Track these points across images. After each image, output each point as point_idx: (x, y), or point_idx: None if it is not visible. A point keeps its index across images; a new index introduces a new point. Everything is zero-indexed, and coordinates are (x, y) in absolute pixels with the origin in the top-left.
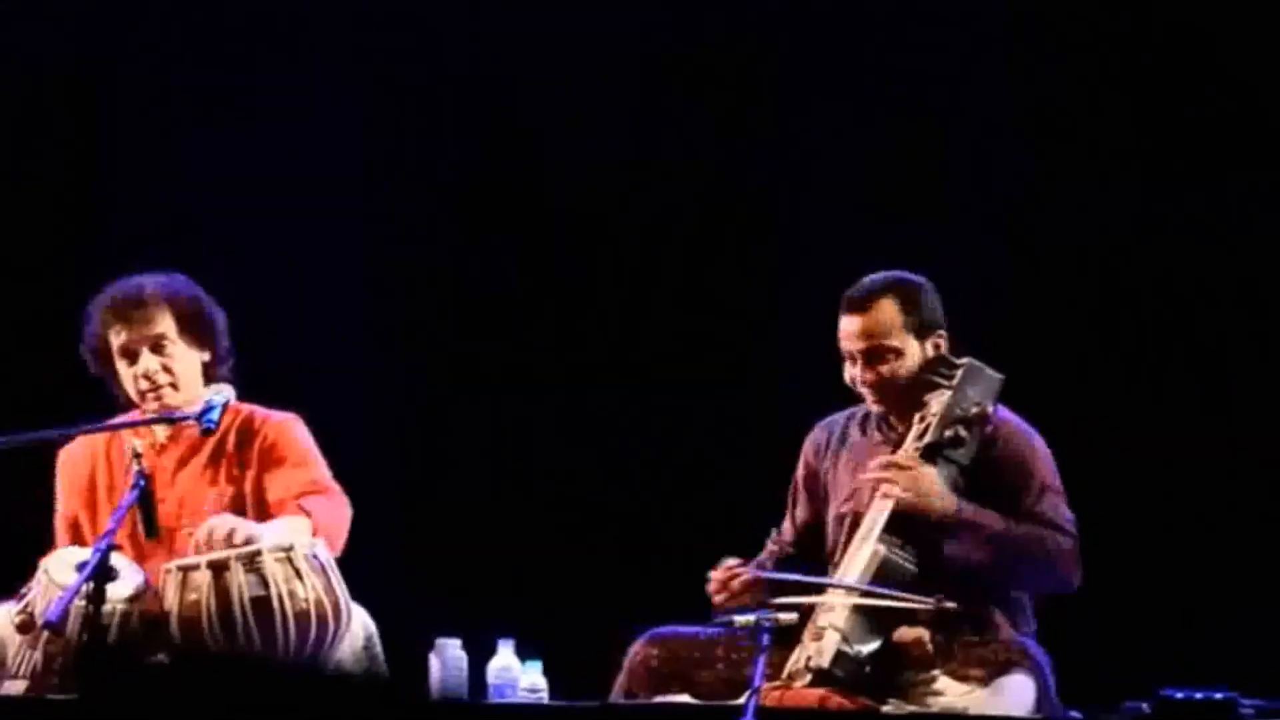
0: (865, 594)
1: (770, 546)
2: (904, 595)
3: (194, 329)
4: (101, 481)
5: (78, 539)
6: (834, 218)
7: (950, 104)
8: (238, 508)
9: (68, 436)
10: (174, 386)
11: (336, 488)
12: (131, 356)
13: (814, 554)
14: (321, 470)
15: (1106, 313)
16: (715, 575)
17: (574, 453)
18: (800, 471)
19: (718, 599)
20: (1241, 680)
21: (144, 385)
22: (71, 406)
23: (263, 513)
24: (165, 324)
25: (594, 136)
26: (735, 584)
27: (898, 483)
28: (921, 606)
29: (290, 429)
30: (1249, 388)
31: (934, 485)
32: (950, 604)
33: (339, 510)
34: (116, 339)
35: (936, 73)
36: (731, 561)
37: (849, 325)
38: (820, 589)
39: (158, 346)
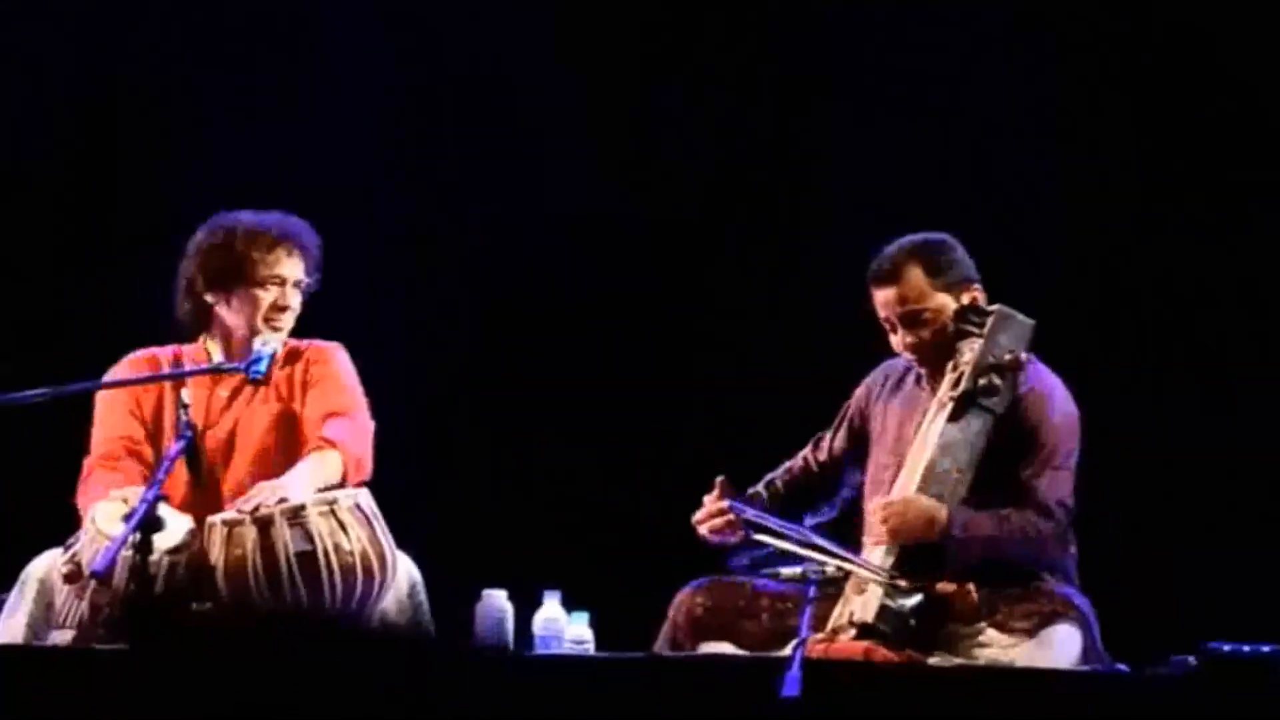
0: (831, 555)
1: (795, 461)
2: (863, 562)
3: (311, 279)
4: (166, 412)
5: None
6: (832, 216)
7: (949, 105)
8: (284, 428)
9: (112, 386)
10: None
11: (361, 408)
12: (281, 285)
13: (836, 482)
14: (350, 394)
15: (1106, 313)
16: (707, 501)
17: (624, 403)
18: (851, 405)
19: (701, 529)
20: None
21: (271, 314)
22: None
23: (304, 433)
24: (304, 270)
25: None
26: (718, 522)
27: (887, 527)
28: (871, 576)
29: (331, 354)
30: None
31: (910, 517)
32: (901, 582)
33: (362, 432)
34: (275, 266)
35: (935, 73)
36: (719, 480)
37: (881, 296)
38: (792, 540)
39: (297, 286)
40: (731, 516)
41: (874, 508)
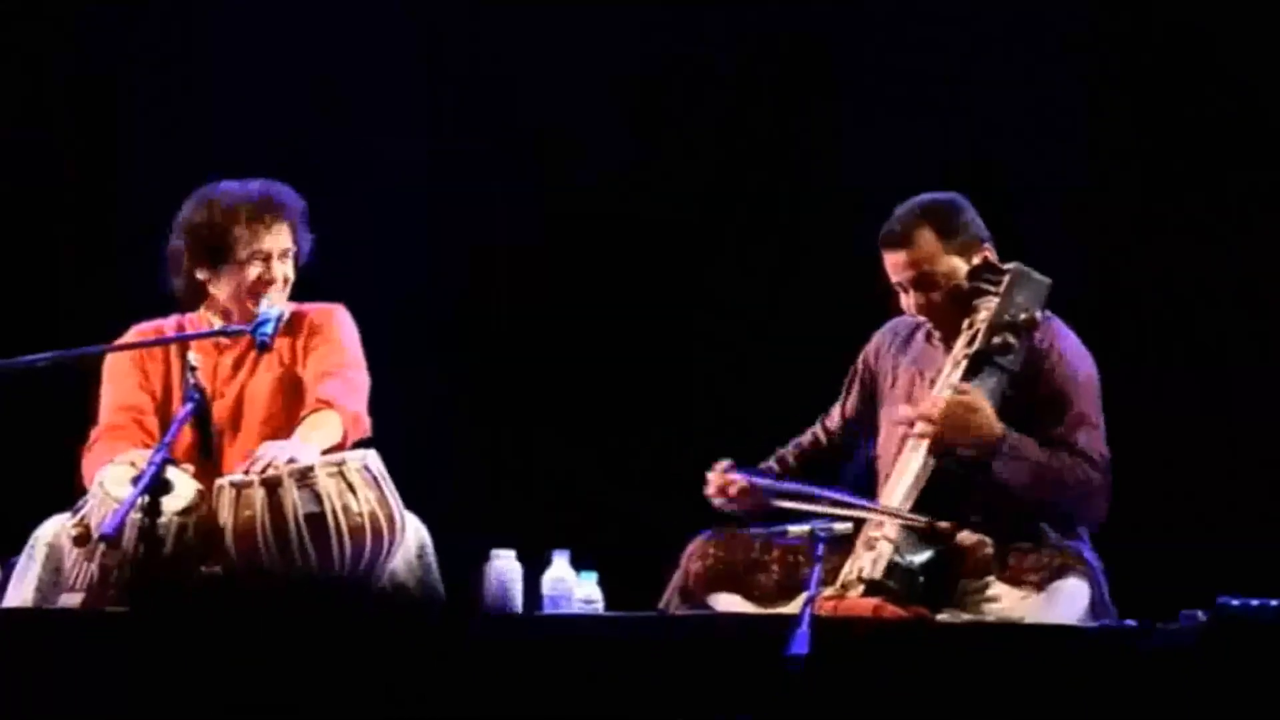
0: (858, 509)
1: (804, 438)
2: (897, 512)
3: (300, 247)
4: (175, 382)
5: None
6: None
7: (950, 104)
8: (288, 392)
9: (119, 349)
10: (281, 290)
11: (355, 365)
12: (265, 260)
13: (847, 454)
14: (345, 352)
15: (1107, 313)
16: (712, 478)
17: (632, 364)
18: (859, 365)
19: (716, 503)
20: None
21: (258, 288)
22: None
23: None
24: (291, 238)
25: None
26: (732, 490)
27: (936, 432)
28: (913, 523)
29: (331, 315)
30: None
31: (975, 416)
32: (944, 524)
33: (356, 388)
34: (255, 242)
35: (935, 73)
36: (723, 464)
37: (892, 260)
38: (813, 499)
39: (284, 255)
40: (743, 483)
41: (904, 415)
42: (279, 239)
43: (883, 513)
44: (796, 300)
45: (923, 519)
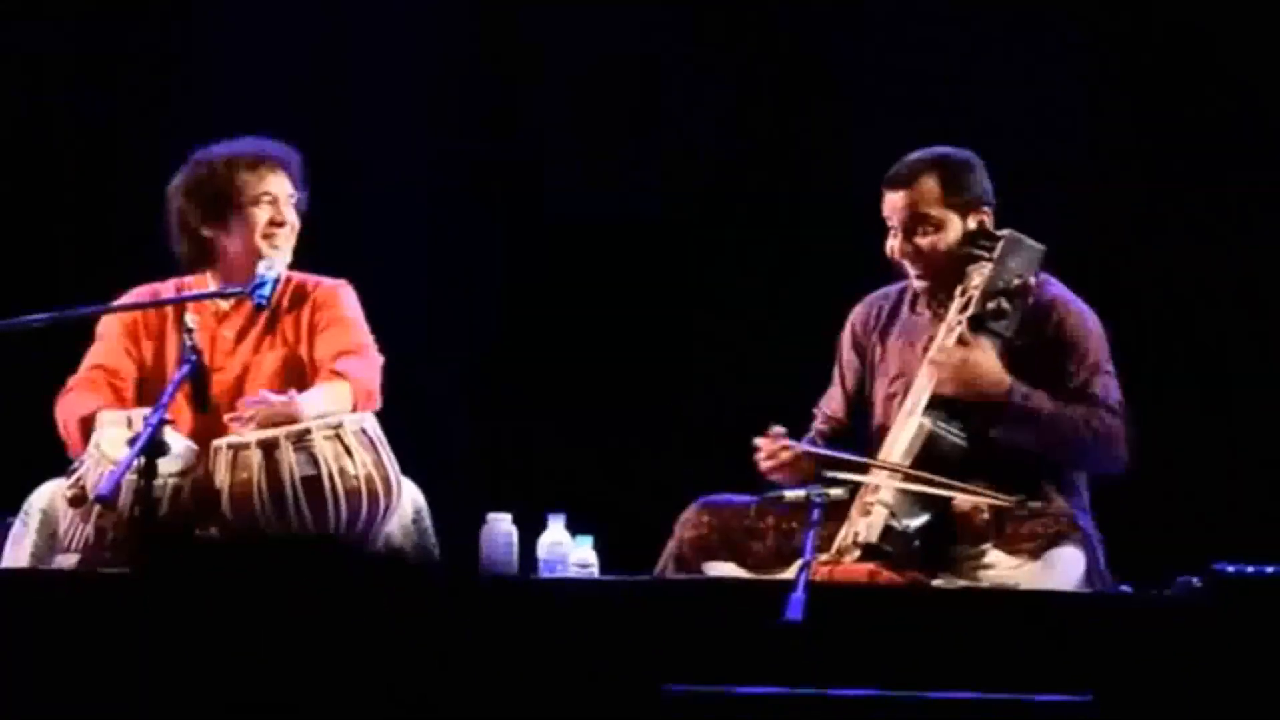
0: (919, 479)
1: (819, 425)
2: (964, 486)
3: (300, 195)
4: (170, 349)
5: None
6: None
7: (950, 104)
8: (293, 372)
9: (116, 310)
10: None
11: (371, 345)
12: (273, 203)
13: (861, 428)
14: (359, 332)
15: (1106, 313)
16: (763, 444)
17: (628, 327)
18: (845, 344)
19: (765, 467)
20: None
21: (269, 230)
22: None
23: (313, 375)
24: (291, 186)
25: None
26: (785, 455)
27: (945, 378)
28: (989, 500)
29: (338, 293)
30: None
31: (982, 369)
32: (1008, 500)
33: (372, 369)
34: (260, 185)
35: (935, 73)
36: (778, 429)
37: (891, 199)
38: (870, 469)
39: (289, 200)
40: (798, 450)
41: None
42: (282, 184)
43: (949, 487)
44: (796, 300)
45: (1011, 499)
